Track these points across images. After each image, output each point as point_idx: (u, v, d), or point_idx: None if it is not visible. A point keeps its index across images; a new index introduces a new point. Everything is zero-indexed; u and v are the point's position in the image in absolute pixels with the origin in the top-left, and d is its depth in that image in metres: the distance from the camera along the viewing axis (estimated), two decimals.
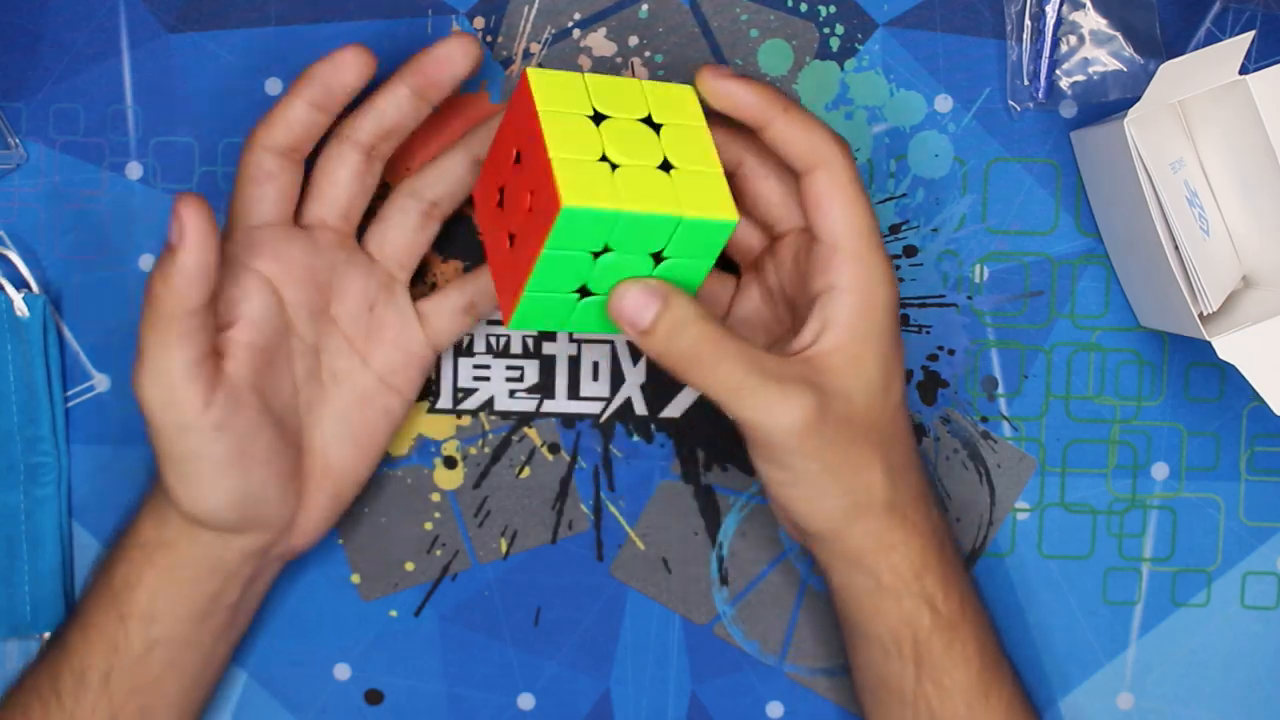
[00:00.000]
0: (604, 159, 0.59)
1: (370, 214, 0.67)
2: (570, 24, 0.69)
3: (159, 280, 0.58)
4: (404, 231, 0.66)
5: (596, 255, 0.59)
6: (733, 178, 0.65)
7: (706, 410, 0.71)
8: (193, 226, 0.58)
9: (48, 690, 0.64)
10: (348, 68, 0.62)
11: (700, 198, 0.59)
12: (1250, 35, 0.63)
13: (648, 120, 0.60)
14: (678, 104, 0.61)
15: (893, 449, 0.63)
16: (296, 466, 0.65)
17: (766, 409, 0.59)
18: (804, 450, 0.60)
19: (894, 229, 0.70)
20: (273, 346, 0.63)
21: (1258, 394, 0.65)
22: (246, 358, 0.62)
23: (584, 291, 0.60)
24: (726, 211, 0.59)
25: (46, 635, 0.70)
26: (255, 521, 0.63)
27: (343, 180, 0.64)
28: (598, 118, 0.60)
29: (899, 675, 0.65)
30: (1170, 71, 0.61)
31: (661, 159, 0.59)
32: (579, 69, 0.69)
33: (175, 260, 0.58)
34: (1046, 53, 0.69)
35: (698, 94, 0.62)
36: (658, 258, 0.59)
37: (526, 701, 0.72)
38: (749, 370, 0.59)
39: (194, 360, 0.59)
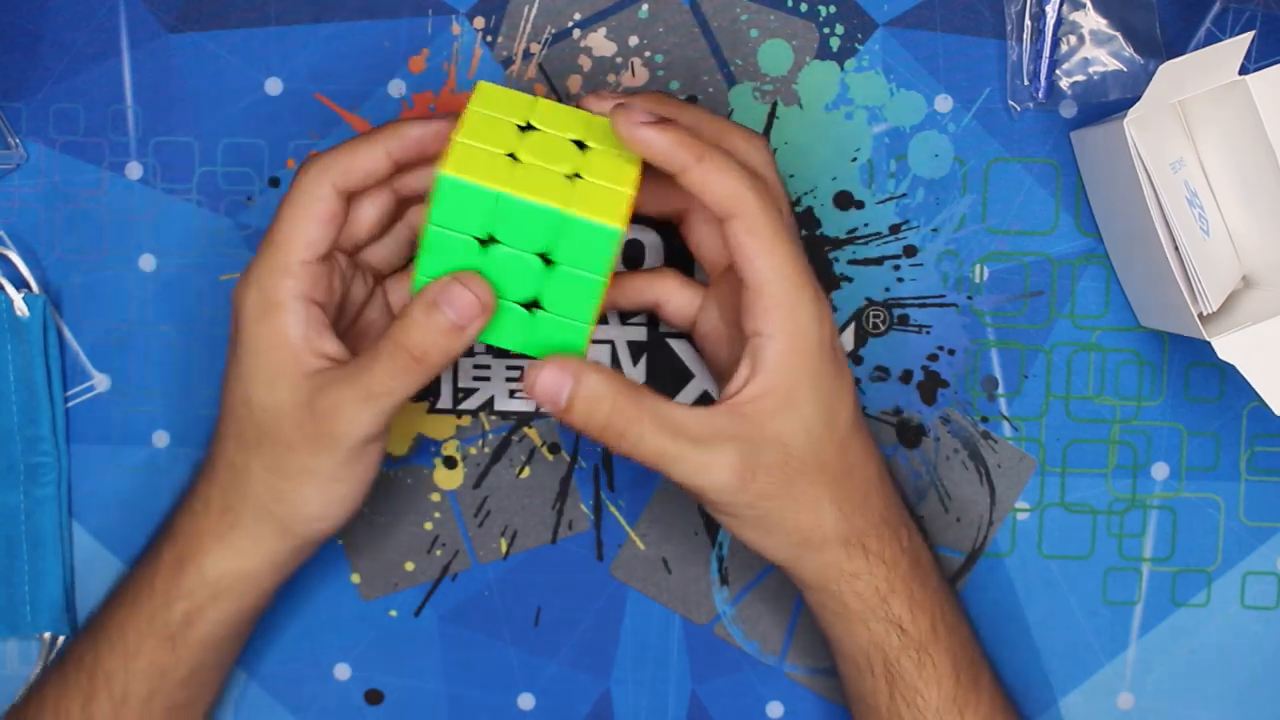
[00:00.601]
0: (511, 157, 0.58)
1: None
2: (570, 24, 0.69)
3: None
4: (394, 243, 0.66)
5: (484, 243, 0.59)
6: (689, 210, 0.65)
7: None
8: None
9: (77, 711, 0.64)
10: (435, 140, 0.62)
11: (593, 203, 0.58)
12: (1250, 35, 0.63)
13: (579, 144, 0.60)
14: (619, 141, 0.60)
15: (845, 483, 0.63)
16: None
17: (693, 473, 0.60)
18: (740, 501, 0.61)
19: (894, 229, 0.70)
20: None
21: (1257, 394, 0.65)
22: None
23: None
24: (614, 219, 0.58)
25: (47, 636, 0.70)
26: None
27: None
28: (528, 129, 0.60)
29: (873, 693, 0.65)
30: (1170, 71, 0.61)
31: (573, 171, 0.59)
32: (579, 69, 0.69)
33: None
34: (1046, 53, 0.69)
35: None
36: (547, 260, 0.59)
37: (526, 701, 0.72)
38: (670, 438, 0.60)
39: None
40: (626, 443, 0.60)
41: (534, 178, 0.58)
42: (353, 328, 0.65)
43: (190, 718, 0.66)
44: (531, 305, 0.60)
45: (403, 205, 0.65)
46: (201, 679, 0.66)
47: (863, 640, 0.64)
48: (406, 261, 0.67)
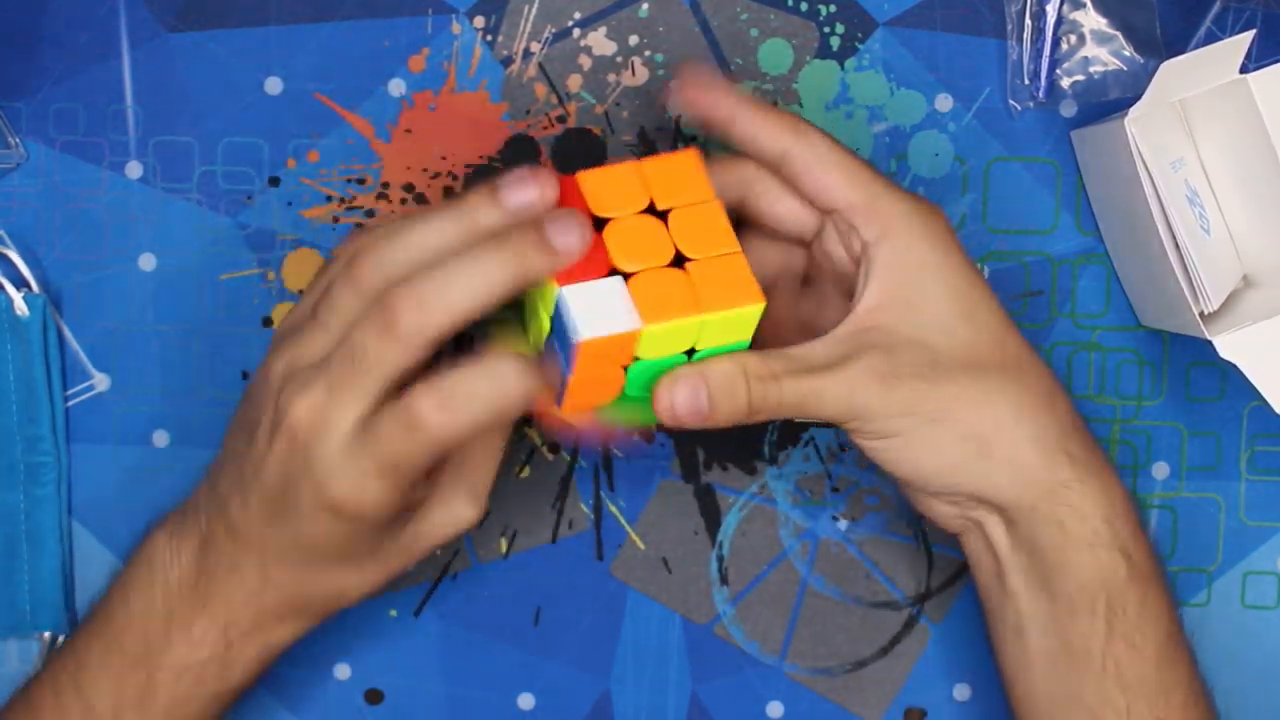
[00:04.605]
0: (613, 272, 0.56)
1: None
2: (570, 23, 0.69)
3: None
4: None
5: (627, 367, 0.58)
6: (743, 203, 0.62)
7: None
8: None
9: None
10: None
11: (722, 288, 0.56)
12: (1250, 34, 0.63)
13: (651, 209, 0.57)
14: (681, 177, 0.58)
15: (1016, 377, 0.59)
16: None
17: (842, 400, 0.57)
18: (891, 409, 0.58)
19: None
20: None
21: (1259, 393, 0.65)
22: None
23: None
24: (752, 296, 0.56)
25: (46, 635, 0.70)
26: None
27: None
28: (598, 222, 0.57)
29: (1086, 636, 0.59)
30: (1170, 71, 0.61)
31: (674, 254, 0.57)
32: (579, 69, 0.69)
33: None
34: (1047, 52, 0.69)
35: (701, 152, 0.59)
36: (690, 353, 0.58)
37: (526, 701, 0.72)
38: (808, 377, 0.57)
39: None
40: (770, 405, 0.57)
41: (657, 291, 0.56)
42: None
43: None
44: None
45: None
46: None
47: (1088, 573, 0.58)
48: None
